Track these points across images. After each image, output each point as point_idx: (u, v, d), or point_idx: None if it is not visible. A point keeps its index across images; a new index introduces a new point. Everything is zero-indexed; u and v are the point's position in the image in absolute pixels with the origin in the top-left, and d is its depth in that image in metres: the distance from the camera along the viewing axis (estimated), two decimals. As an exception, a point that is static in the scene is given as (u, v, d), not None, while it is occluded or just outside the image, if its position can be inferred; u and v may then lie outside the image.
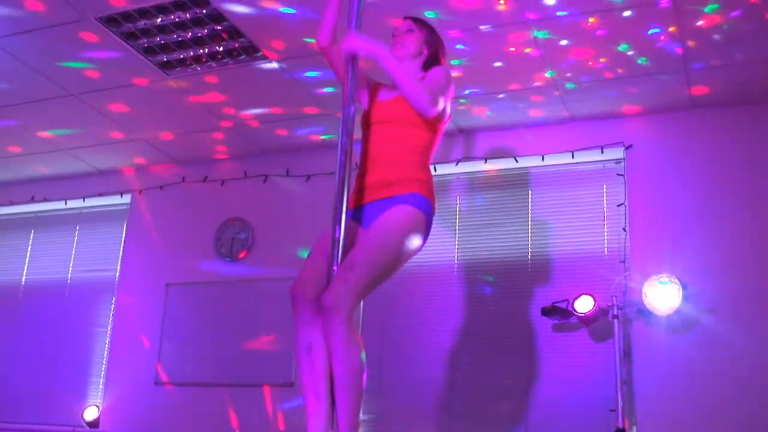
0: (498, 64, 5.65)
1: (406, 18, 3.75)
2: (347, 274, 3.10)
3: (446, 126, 3.66)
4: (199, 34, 5.51)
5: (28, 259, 8.13)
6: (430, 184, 3.45)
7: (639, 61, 5.50)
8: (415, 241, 3.32)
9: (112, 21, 5.37)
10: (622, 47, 5.35)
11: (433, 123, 3.50)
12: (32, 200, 8.13)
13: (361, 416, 3.19)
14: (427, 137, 3.50)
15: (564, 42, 5.34)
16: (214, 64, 5.85)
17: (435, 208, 3.46)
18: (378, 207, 3.35)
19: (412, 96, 3.36)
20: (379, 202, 3.36)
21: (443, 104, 3.46)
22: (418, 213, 3.31)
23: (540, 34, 5.26)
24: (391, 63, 3.39)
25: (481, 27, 5.22)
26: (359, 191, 3.44)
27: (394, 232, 3.24)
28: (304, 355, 3.20)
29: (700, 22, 5.04)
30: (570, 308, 5.73)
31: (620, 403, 5.40)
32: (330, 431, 3.08)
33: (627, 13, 5.00)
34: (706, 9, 4.91)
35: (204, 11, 5.24)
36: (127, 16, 5.32)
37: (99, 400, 7.21)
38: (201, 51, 5.71)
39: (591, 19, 5.07)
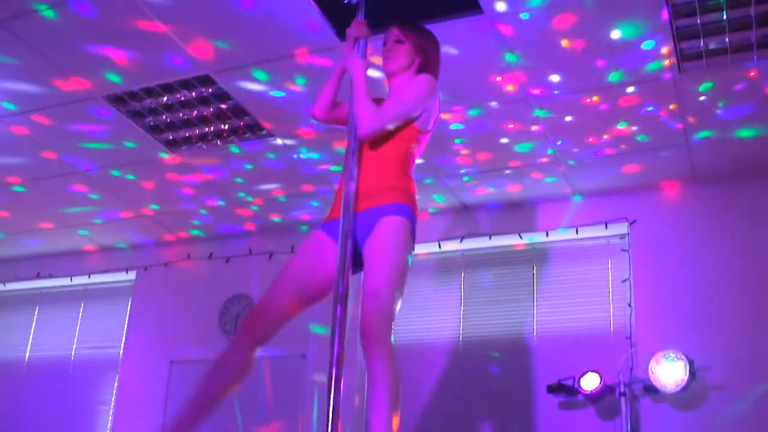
0: (501, 141, 5.69)
1: (394, 26, 3.61)
2: (378, 303, 3.10)
3: (422, 149, 3.55)
4: (205, 113, 5.57)
5: (32, 335, 8.10)
6: (410, 191, 3.37)
7: (639, 138, 5.54)
8: (411, 249, 3.31)
9: (119, 100, 5.44)
10: (623, 124, 5.40)
11: (411, 134, 3.41)
12: (38, 276, 8.12)
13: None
14: (405, 148, 3.40)
15: (566, 119, 5.38)
16: (219, 142, 5.90)
17: (416, 216, 3.36)
18: (363, 219, 3.28)
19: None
20: (363, 214, 3.28)
21: (395, 124, 3.35)
22: (405, 222, 3.26)
23: (541, 113, 5.32)
24: (357, 86, 3.37)
25: (487, 104, 5.28)
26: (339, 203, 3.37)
27: (397, 247, 3.21)
28: (212, 371, 3.41)
29: (702, 98, 5.09)
30: (576, 386, 5.68)
31: (629, 483, 5.33)
32: None
33: (631, 89, 5.05)
34: (703, 87, 4.98)
35: (210, 90, 5.31)
36: (133, 95, 5.39)
37: (101, 480, 7.13)
38: (206, 129, 5.77)
39: (595, 98, 5.13)
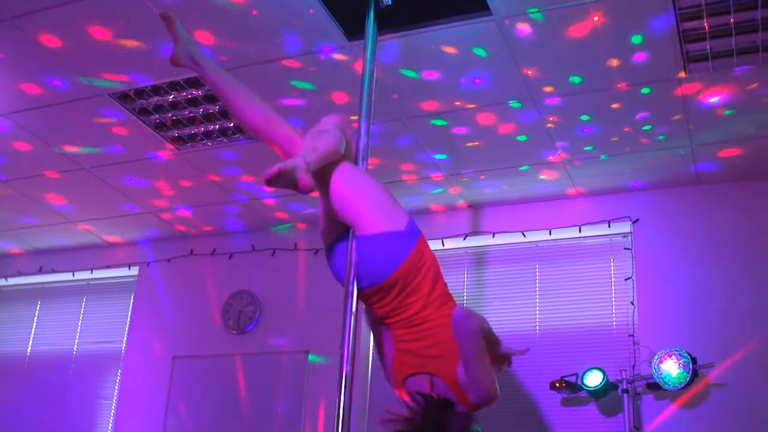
0: (507, 141, 5.72)
1: None
2: None
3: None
4: (211, 111, 5.58)
5: (34, 330, 8.11)
6: None
7: (643, 138, 5.57)
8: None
9: (125, 97, 5.45)
10: (627, 124, 5.43)
11: None
12: (40, 271, 8.14)
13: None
14: None
15: (570, 119, 5.41)
16: (225, 140, 5.91)
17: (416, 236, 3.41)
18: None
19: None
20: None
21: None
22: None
23: (548, 114, 5.35)
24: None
25: (491, 105, 5.31)
26: None
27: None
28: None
29: (706, 100, 5.12)
30: (579, 382, 5.71)
31: (631, 480, 5.37)
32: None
33: (647, 90, 5.08)
34: (708, 89, 5.02)
35: (216, 88, 5.31)
36: (140, 92, 5.41)
37: (104, 475, 7.15)
38: (212, 127, 5.78)
39: (615, 105, 5.16)
